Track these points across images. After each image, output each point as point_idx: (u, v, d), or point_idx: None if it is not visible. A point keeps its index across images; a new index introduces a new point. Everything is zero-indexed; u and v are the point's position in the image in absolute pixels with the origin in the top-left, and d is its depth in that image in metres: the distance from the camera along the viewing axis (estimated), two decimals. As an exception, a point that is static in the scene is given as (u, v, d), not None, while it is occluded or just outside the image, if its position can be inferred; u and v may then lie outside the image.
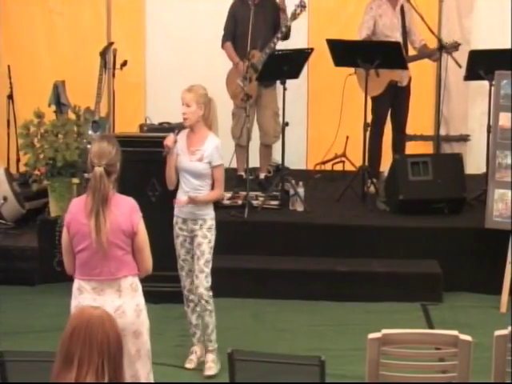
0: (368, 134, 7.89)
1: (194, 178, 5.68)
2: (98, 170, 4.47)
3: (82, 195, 4.63)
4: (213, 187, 5.77)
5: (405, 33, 8.04)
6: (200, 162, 5.66)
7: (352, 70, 8.11)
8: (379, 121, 8.03)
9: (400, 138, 8.24)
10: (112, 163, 4.54)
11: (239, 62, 7.98)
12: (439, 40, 8.04)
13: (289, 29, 8.00)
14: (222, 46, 8.15)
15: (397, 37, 7.99)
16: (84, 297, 4.54)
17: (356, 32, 8.13)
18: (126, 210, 4.51)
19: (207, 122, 5.72)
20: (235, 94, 8.08)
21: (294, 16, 7.94)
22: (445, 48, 7.88)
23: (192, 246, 5.75)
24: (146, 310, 4.64)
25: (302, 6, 7.93)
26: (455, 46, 7.89)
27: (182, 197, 5.71)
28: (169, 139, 5.67)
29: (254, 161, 8.25)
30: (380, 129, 8.07)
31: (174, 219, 5.78)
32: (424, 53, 8.04)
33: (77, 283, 4.60)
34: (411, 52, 8.06)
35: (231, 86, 8.13)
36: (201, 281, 5.73)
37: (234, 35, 8.08)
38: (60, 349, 2.94)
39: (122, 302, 4.52)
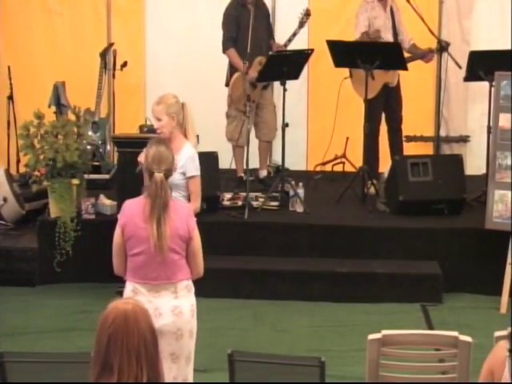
0: (364, 139, 7.92)
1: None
2: (159, 176, 4.47)
3: (137, 197, 4.61)
4: (189, 201, 5.54)
5: (395, 34, 8.07)
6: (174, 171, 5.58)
7: (347, 73, 8.12)
8: (374, 122, 8.03)
9: (397, 136, 8.25)
10: (170, 168, 4.56)
11: (247, 71, 7.96)
12: (439, 41, 8.05)
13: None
14: (224, 52, 8.13)
15: (389, 38, 8.02)
16: (139, 299, 4.49)
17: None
18: (183, 216, 4.52)
19: (182, 128, 5.58)
20: (239, 98, 8.08)
21: (301, 24, 8.05)
22: (443, 48, 7.91)
23: None
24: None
25: (307, 14, 8.06)
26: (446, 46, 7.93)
27: None
28: (142, 155, 5.54)
29: (252, 161, 8.25)
30: (375, 130, 8.08)
31: None
32: (416, 54, 8.05)
33: (131, 285, 4.57)
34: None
35: (237, 90, 8.10)
36: None
37: (237, 39, 8.06)
38: (97, 355, 2.91)
39: (178, 303, 4.53)
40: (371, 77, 7.75)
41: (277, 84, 8.19)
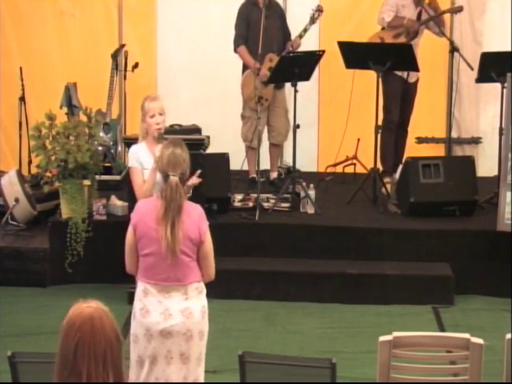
0: (380, 133, 7.94)
1: None
2: (174, 179, 4.45)
3: (150, 197, 4.62)
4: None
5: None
6: None
7: (366, 73, 8.10)
8: (390, 116, 8.02)
9: (402, 135, 8.24)
10: (185, 171, 4.55)
11: (257, 68, 7.97)
12: (451, 42, 8.04)
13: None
14: (235, 50, 8.14)
15: None
16: (149, 299, 4.53)
17: (367, 33, 8.14)
18: (195, 219, 4.51)
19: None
20: (251, 97, 8.09)
21: (313, 20, 8.06)
22: (455, 49, 7.92)
23: None
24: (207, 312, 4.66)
25: (319, 10, 8.05)
26: (458, 8, 7.99)
27: None
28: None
29: (264, 163, 8.26)
30: (393, 124, 8.06)
31: None
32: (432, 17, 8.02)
33: (142, 285, 4.57)
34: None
35: (247, 88, 8.12)
36: None
37: (247, 38, 8.08)
38: (64, 360, 2.93)
39: (188, 304, 4.52)
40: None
41: (288, 85, 8.18)
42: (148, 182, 5.44)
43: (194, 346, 4.52)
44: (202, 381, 4.64)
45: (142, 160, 5.52)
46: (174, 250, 4.44)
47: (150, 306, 4.48)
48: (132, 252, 4.58)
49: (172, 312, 4.49)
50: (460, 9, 8.10)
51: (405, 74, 8.01)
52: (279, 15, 8.26)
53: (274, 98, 8.17)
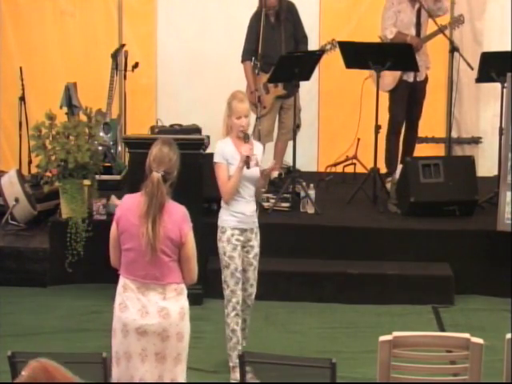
0: (386, 136, 7.94)
1: (252, 184, 5.63)
2: (156, 175, 4.47)
3: (136, 193, 4.60)
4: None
5: (418, 33, 8.04)
6: (257, 166, 5.60)
7: (366, 73, 8.11)
8: (397, 119, 8.02)
9: (410, 135, 8.23)
10: (170, 171, 4.54)
11: (253, 92, 8.00)
12: (451, 42, 8.05)
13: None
14: (242, 62, 8.18)
15: (412, 34, 7.99)
16: (128, 295, 4.54)
17: (367, 33, 8.14)
18: (176, 219, 4.50)
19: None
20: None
21: (322, 50, 7.99)
22: (454, 48, 7.93)
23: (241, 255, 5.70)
24: (189, 314, 4.61)
25: (334, 46, 7.95)
26: (459, 20, 7.99)
27: (243, 207, 5.60)
28: (248, 150, 5.50)
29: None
30: (396, 126, 8.06)
31: (229, 232, 5.63)
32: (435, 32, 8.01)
33: (122, 281, 4.60)
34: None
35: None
36: (255, 288, 5.81)
37: (256, 51, 8.03)
38: None
39: (166, 305, 4.51)
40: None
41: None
42: (234, 178, 5.52)
43: (170, 347, 4.49)
44: (183, 380, 4.61)
45: (228, 156, 5.54)
46: (154, 247, 4.44)
47: (129, 302, 4.51)
48: (115, 245, 4.62)
49: (149, 310, 4.50)
50: (462, 22, 8.07)
51: (411, 77, 8.00)
52: (292, 20, 8.18)
53: (284, 100, 8.17)
